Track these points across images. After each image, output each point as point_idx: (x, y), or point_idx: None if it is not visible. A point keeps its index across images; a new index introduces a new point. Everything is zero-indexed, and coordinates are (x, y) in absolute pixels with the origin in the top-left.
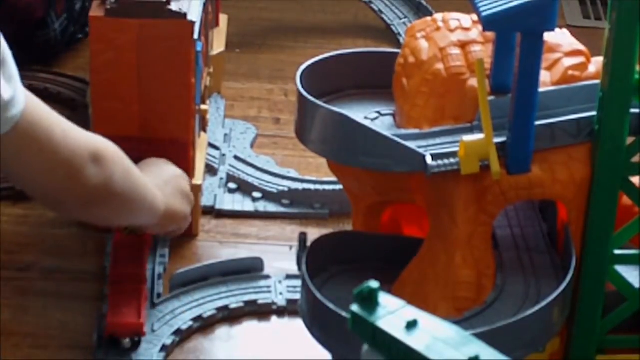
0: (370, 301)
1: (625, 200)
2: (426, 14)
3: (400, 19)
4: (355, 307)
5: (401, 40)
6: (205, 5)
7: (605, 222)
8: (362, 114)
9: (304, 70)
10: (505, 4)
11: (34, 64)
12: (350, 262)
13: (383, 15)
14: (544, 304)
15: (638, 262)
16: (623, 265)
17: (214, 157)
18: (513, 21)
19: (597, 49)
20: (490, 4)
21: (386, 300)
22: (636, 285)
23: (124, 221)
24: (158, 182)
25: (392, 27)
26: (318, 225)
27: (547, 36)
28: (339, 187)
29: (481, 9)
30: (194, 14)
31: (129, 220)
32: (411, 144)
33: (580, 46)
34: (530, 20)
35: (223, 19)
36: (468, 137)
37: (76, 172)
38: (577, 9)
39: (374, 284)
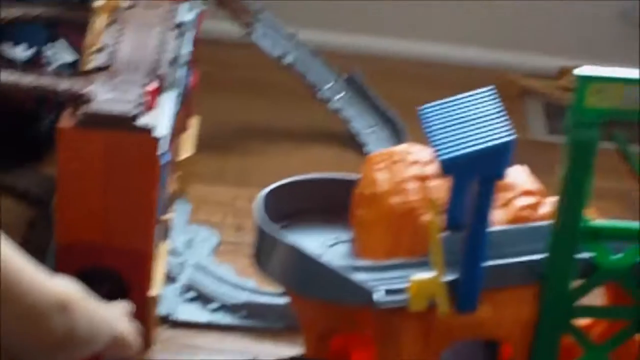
0: None
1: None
2: (393, 125)
3: (368, 128)
4: None
5: (365, 149)
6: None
7: None
8: (321, 239)
9: (266, 194)
10: (462, 148)
11: (22, 159)
12: None
13: (351, 125)
14: None
15: None
16: None
17: (174, 264)
18: (470, 166)
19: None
20: (448, 146)
21: None
22: None
23: (86, 356)
24: (111, 312)
25: (359, 136)
26: (273, 339)
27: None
28: None
29: (439, 152)
30: (162, 128)
31: (90, 353)
32: (362, 276)
33: (535, 185)
34: (486, 165)
35: (194, 121)
36: (418, 275)
37: (42, 321)
38: (543, 123)
39: None
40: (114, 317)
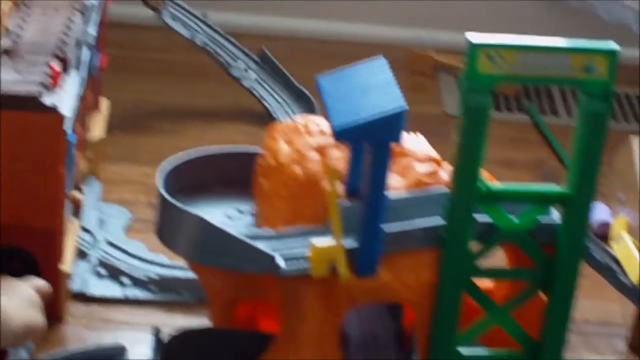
0: None
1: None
2: (307, 102)
3: (281, 105)
4: None
5: None
6: (83, 92)
7: (450, 323)
8: (223, 211)
9: (166, 167)
10: (355, 115)
11: None
12: (206, 357)
13: (264, 101)
14: None
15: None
16: None
17: (86, 241)
18: (362, 133)
19: None
20: (341, 114)
21: None
22: None
23: None
24: (15, 302)
25: (272, 113)
26: (185, 312)
27: (403, 141)
28: None
29: (332, 119)
30: (67, 106)
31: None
32: (264, 245)
33: (433, 153)
34: (378, 132)
35: (104, 103)
36: (318, 241)
37: None
38: (456, 97)
39: None
40: (19, 303)
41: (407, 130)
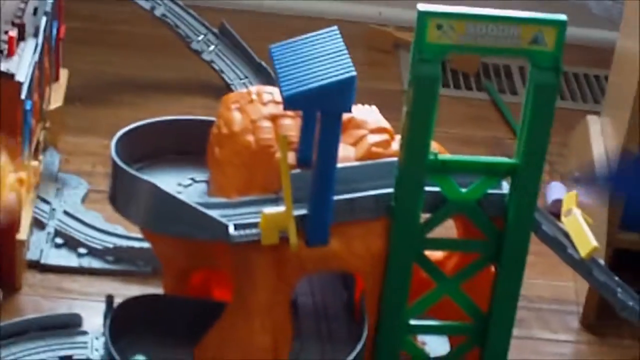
0: None
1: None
2: (266, 76)
3: (241, 79)
4: None
5: None
6: (40, 61)
7: (400, 294)
8: (177, 180)
9: (121, 136)
10: (306, 84)
11: None
12: (157, 325)
13: (224, 75)
14: None
15: (433, 332)
16: None
17: (43, 211)
18: (312, 101)
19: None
20: (292, 83)
21: None
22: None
23: None
24: None
25: (232, 86)
26: (141, 282)
27: (355, 112)
28: None
29: (283, 88)
30: (23, 73)
31: None
32: (217, 213)
33: (385, 124)
34: (328, 100)
35: (63, 73)
36: (269, 209)
37: None
38: None
39: (141, 357)
40: None
41: (363, 104)
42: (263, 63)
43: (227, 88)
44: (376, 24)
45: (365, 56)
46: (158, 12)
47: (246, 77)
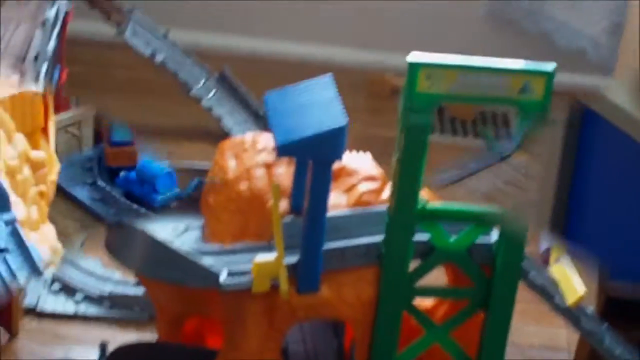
0: None
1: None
2: (265, 121)
3: (240, 125)
4: None
5: None
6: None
7: (389, 341)
8: (173, 227)
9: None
10: (297, 133)
11: None
12: None
13: (223, 121)
14: None
15: None
16: None
17: None
18: (303, 150)
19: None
20: (285, 130)
21: None
22: None
23: None
24: None
25: (231, 131)
26: (137, 329)
27: (348, 160)
28: None
29: (276, 137)
30: None
31: None
32: (211, 260)
33: (377, 172)
34: (319, 149)
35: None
36: (260, 257)
37: None
38: None
39: None
40: None
41: (358, 151)
42: (262, 110)
43: (226, 134)
44: (375, 71)
45: (365, 103)
46: (159, 58)
47: (245, 123)
